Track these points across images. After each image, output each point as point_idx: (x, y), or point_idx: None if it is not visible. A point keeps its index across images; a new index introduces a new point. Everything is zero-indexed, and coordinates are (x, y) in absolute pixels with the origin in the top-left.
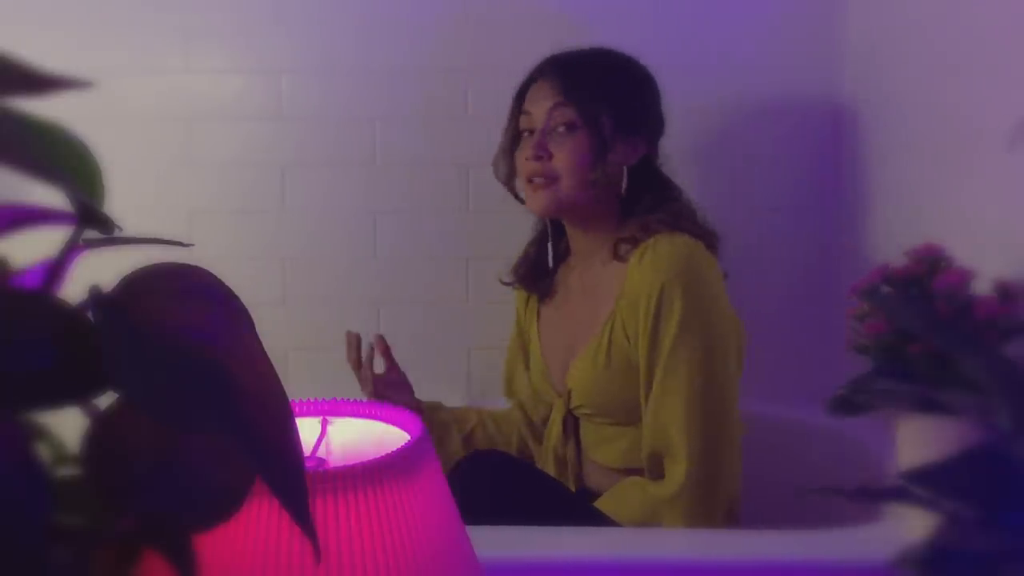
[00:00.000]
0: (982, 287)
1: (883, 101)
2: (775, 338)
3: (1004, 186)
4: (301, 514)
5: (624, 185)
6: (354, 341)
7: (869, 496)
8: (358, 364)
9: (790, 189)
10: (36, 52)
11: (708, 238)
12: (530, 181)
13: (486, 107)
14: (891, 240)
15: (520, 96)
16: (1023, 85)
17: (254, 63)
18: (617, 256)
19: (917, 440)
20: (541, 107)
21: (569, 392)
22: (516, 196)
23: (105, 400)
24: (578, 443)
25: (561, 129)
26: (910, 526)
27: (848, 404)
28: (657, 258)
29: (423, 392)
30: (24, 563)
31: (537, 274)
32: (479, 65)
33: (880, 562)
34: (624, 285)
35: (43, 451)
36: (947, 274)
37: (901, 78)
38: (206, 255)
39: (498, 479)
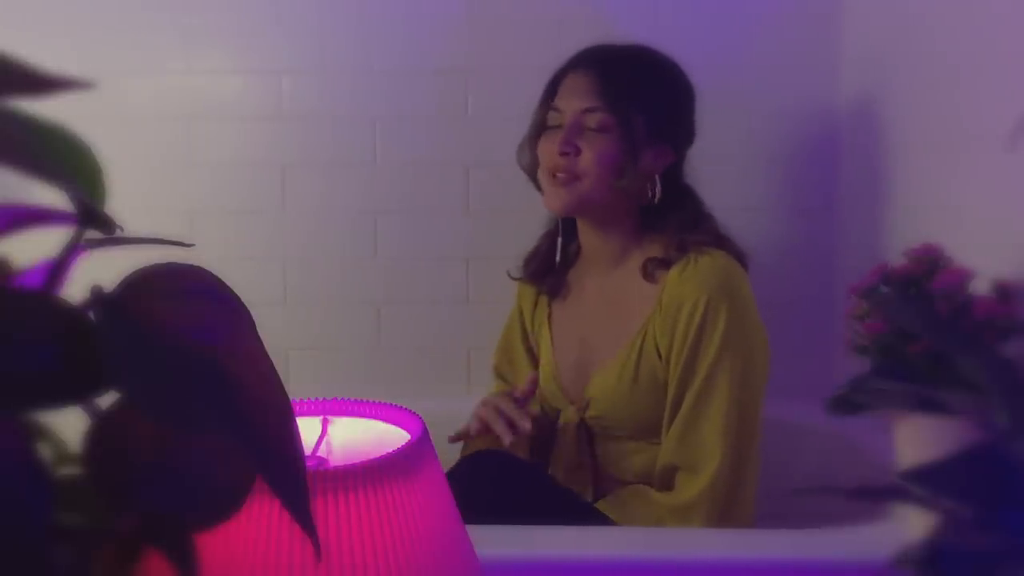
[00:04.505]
0: (982, 287)
1: (881, 101)
2: (774, 338)
3: (1003, 186)
4: (301, 513)
5: (657, 194)
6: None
7: (869, 496)
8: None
9: (789, 189)
10: (36, 52)
11: (742, 258)
12: (553, 176)
13: (486, 107)
14: (891, 240)
15: (552, 87)
16: (1022, 85)
17: (254, 63)
18: (647, 276)
19: (917, 440)
20: (572, 106)
21: (587, 402)
22: (538, 186)
23: (106, 400)
24: (592, 453)
25: (592, 125)
26: (910, 526)
27: (848, 404)
28: (699, 272)
29: (422, 392)
30: (26, 562)
31: (548, 270)
32: (479, 65)
33: (880, 562)
34: (661, 298)
35: (44, 451)
36: (946, 274)
37: (899, 78)
38: (206, 255)
39: (498, 479)
